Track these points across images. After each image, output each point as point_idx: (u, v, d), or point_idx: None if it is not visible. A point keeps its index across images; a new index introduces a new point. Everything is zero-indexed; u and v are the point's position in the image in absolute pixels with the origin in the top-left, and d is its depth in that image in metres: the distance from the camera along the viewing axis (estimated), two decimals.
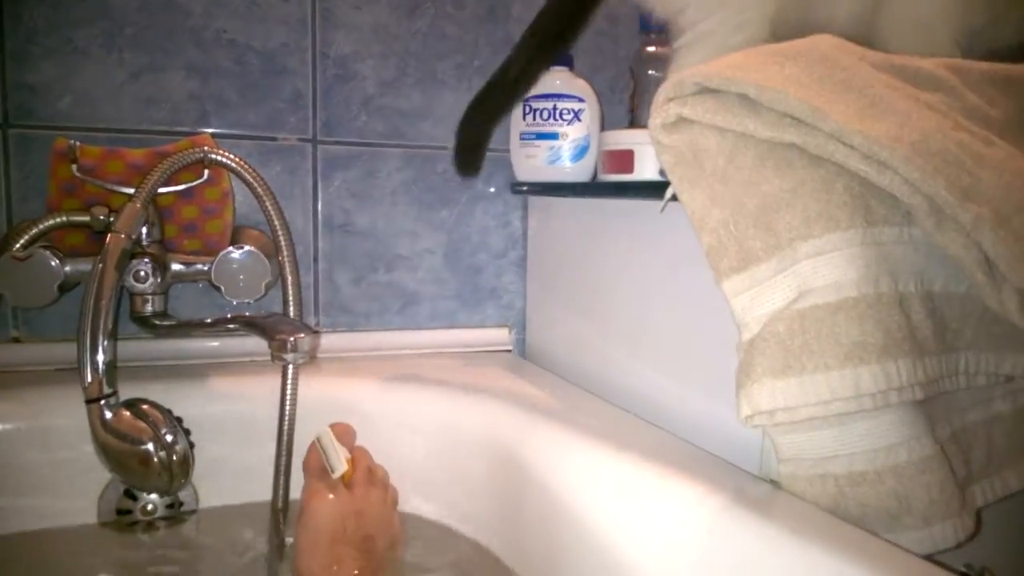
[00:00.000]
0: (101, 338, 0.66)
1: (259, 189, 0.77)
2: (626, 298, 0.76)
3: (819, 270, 0.49)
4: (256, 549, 0.70)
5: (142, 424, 0.69)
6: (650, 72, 0.92)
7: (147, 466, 0.68)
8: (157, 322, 0.77)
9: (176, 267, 0.77)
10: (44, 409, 0.72)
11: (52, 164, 0.76)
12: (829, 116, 0.48)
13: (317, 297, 0.91)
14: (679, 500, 0.52)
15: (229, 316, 0.71)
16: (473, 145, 0.83)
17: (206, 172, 0.78)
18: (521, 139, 0.91)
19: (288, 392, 0.72)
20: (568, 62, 0.91)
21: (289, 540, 0.68)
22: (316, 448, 0.66)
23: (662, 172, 0.58)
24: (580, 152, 0.90)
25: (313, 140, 0.89)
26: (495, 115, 0.82)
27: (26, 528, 0.69)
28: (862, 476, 0.50)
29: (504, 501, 0.69)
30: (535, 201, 0.98)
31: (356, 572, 0.60)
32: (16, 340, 0.81)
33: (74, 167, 0.75)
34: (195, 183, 0.78)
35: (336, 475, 0.63)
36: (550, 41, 0.79)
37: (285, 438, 0.73)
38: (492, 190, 0.98)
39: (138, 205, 0.71)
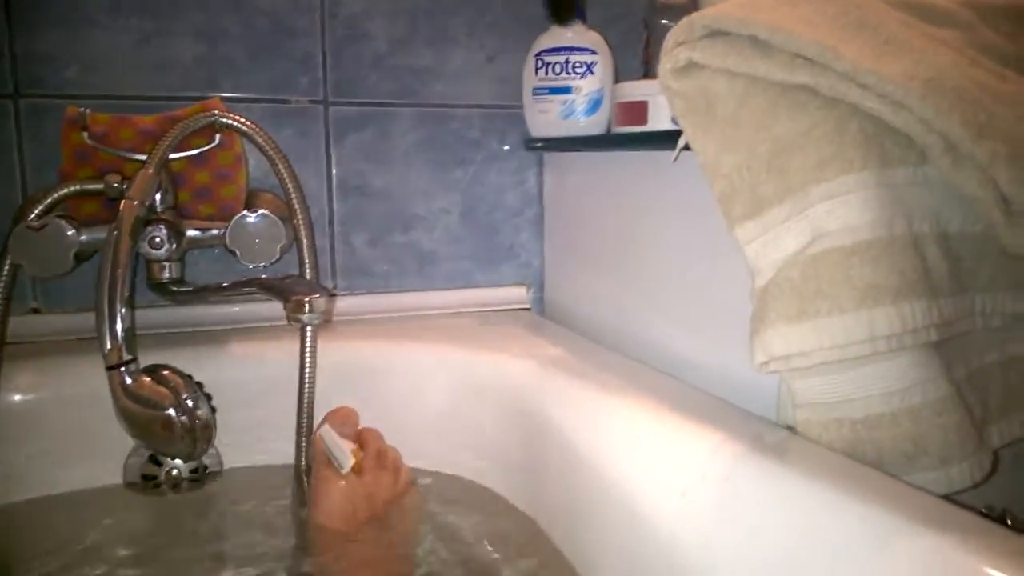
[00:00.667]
0: (119, 305, 0.67)
1: (271, 152, 0.77)
2: (642, 251, 0.76)
3: (833, 213, 0.48)
4: (282, 503, 0.71)
5: (163, 389, 0.69)
6: (663, 22, 0.90)
7: (170, 431, 0.69)
8: (175, 288, 0.78)
9: (191, 233, 0.78)
10: (66, 378, 0.73)
11: (64, 133, 0.76)
12: (842, 55, 0.47)
13: (334, 260, 0.92)
14: (696, 449, 0.53)
15: (245, 280, 0.72)
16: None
17: (217, 136, 0.78)
18: (534, 94, 0.90)
19: (307, 354, 0.73)
20: (580, 14, 0.89)
21: None
22: (320, 442, 0.67)
23: (674, 120, 0.57)
24: (594, 105, 0.89)
25: (324, 102, 0.89)
26: None
27: (53, 491, 0.71)
28: (878, 419, 0.49)
29: (524, 455, 0.70)
30: (550, 158, 0.97)
31: (371, 550, 0.61)
32: (36, 311, 0.83)
33: (85, 135, 0.76)
34: (207, 148, 0.78)
35: (344, 471, 0.64)
36: None
37: (306, 400, 0.74)
38: (507, 148, 0.97)
39: (151, 171, 0.71)
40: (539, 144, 0.92)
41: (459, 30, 0.93)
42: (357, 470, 0.65)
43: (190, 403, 0.70)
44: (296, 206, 0.78)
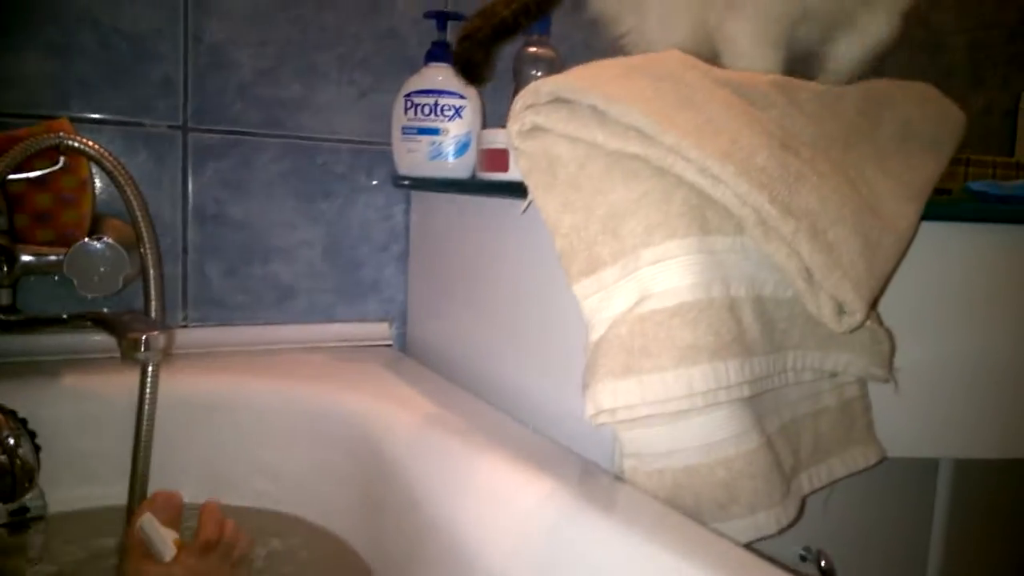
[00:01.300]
0: None
1: (120, 177, 0.74)
2: (499, 294, 0.78)
3: (658, 276, 0.52)
4: (109, 558, 0.68)
5: None
6: (532, 72, 0.94)
7: None
8: (3, 316, 0.73)
9: (26, 258, 0.74)
10: None
11: None
12: (669, 130, 0.51)
13: (185, 290, 0.89)
14: (528, 497, 0.54)
15: (82, 313, 0.69)
16: (472, 66, 0.82)
17: (62, 159, 0.74)
18: (403, 133, 0.91)
19: (147, 392, 0.70)
20: (451, 58, 0.91)
21: None
22: (139, 532, 0.62)
23: None
24: (461, 148, 0.91)
25: (183, 127, 0.87)
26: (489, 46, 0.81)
27: None
28: (696, 469, 0.53)
29: (365, 496, 0.70)
30: (417, 195, 0.98)
31: None
32: None
33: None
34: (50, 170, 0.74)
35: (166, 560, 0.58)
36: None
37: (143, 440, 0.71)
38: (375, 183, 0.98)
39: None
40: (407, 182, 0.93)
41: (330, 64, 0.93)
42: (180, 559, 0.61)
43: (11, 441, 0.66)
44: (144, 234, 0.75)
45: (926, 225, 0.62)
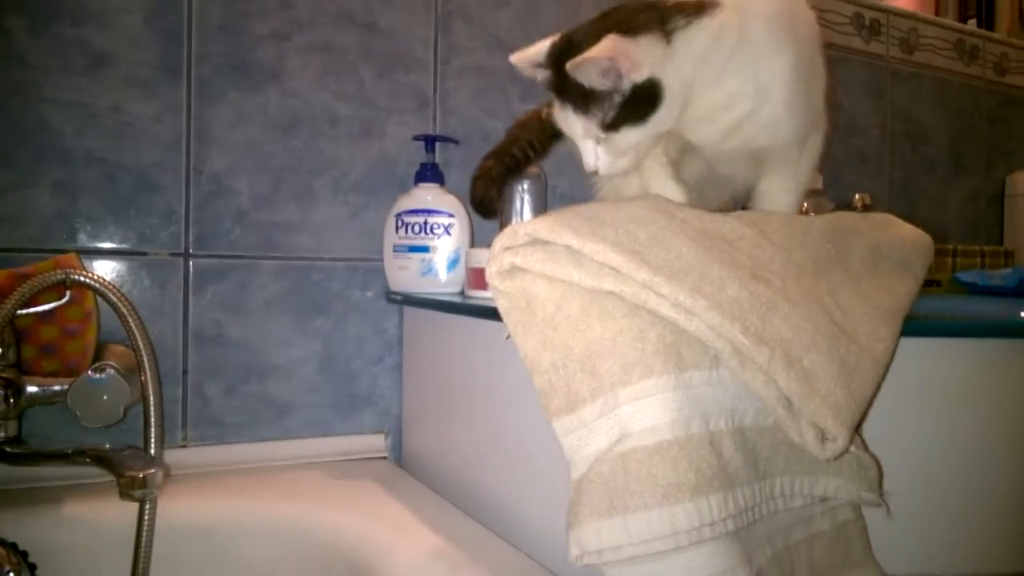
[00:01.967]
0: None
1: (123, 309, 0.76)
2: (489, 410, 0.79)
3: (637, 414, 0.53)
4: None
5: None
6: (518, 187, 0.97)
7: None
8: (8, 449, 0.75)
9: (31, 390, 0.76)
10: None
11: None
12: (641, 267, 0.53)
13: (185, 411, 0.90)
14: None
15: (82, 449, 0.70)
16: (487, 202, 0.85)
17: (68, 293, 0.77)
18: (394, 251, 0.94)
19: (145, 526, 0.71)
20: (439, 179, 0.95)
21: None
22: None
23: None
24: (451, 264, 0.93)
25: (185, 254, 0.90)
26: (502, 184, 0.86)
27: None
28: None
29: None
30: (409, 309, 1.00)
31: None
32: None
33: None
34: (56, 304, 0.77)
35: None
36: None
37: (141, 570, 0.71)
38: (369, 295, 1.00)
39: None
40: (399, 298, 0.96)
41: (324, 187, 0.97)
42: None
43: None
44: (145, 363, 0.77)
45: (909, 341, 0.63)
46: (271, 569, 0.76)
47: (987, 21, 1.60)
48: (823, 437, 0.56)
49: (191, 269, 0.90)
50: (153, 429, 0.77)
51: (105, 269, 0.87)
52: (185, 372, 0.90)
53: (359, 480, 0.89)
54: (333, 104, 0.97)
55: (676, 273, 0.54)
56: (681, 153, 0.74)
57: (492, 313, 0.78)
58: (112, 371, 0.77)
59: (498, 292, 0.58)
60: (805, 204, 1.13)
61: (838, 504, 0.64)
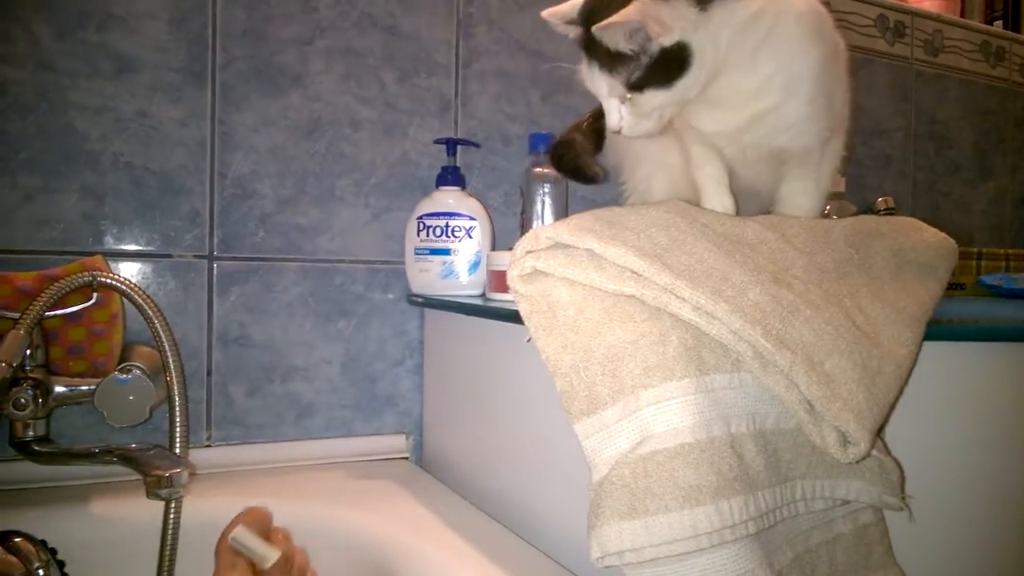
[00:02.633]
0: None
1: (149, 311, 0.78)
2: (509, 411, 0.79)
3: (658, 417, 0.53)
4: None
5: (13, 559, 0.67)
6: (539, 189, 0.98)
7: None
8: (37, 448, 0.76)
9: (59, 390, 0.77)
10: None
11: None
12: (662, 271, 0.53)
13: (210, 411, 0.91)
14: None
15: (109, 448, 0.72)
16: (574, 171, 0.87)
17: (95, 295, 0.79)
18: (415, 254, 0.95)
19: (170, 524, 0.72)
20: (460, 182, 0.96)
21: None
22: (231, 544, 0.64)
23: None
24: (473, 267, 0.94)
25: (209, 256, 0.91)
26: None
27: None
28: None
29: None
30: (431, 311, 1.01)
31: None
32: None
33: None
34: (83, 306, 0.79)
35: (269, 563, 0.60)
36: None
37: (166, 566, 0.72)
38: (390, 297, 1.01)
39: (22, 332, 0.71)
40: (420, 300, 0.96)
41: (346, 190, 0.98)
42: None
43: (41, 572, 0.68)
44: (170, 364, 0.78)
45: (932, 345, 0.63)
46: None
47: (1014, 22, 1.58)
48: (845, 441, 0.56)
49: (215, 271, 0.91)
50: (178, 429, 0.78)
51: (131, 271, 0.88)
52: (209, 373, 0.91)
53: (381, 480, 0.89)
54: (355, 107, 0.98)
55: (697, 277, 0.54)
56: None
57: (513, 316, 0.79)
58: (138, 372, 0.78)
59: (519, 295, 0.58)
60: (828, 207, 1.12)
61: (859, 507, 0.64)
